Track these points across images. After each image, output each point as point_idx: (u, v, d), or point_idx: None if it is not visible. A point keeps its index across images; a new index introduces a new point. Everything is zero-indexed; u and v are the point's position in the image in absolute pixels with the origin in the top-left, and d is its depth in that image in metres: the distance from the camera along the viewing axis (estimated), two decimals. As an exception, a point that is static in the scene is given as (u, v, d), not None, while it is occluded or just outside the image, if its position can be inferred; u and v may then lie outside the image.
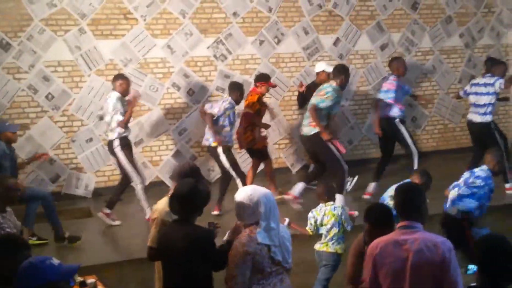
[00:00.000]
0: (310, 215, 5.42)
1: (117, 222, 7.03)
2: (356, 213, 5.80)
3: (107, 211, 7.03)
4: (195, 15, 8.70)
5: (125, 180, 7.09)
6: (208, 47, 8.81)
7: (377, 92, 9.65)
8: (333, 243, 5.31)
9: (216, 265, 3.85)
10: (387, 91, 7.81)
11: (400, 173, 7.37)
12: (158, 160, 8.69)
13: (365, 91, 9.80)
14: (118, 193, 7.17)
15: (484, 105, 7.82)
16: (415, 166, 7.49)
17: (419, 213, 3.56)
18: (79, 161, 8.32)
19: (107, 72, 8.30)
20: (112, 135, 6.99)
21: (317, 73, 8.36)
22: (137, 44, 8.44)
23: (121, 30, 8.37)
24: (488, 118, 7.84)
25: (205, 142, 7.40)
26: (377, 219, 3.97)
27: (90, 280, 4.43)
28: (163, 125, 8.67)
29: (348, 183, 7.73)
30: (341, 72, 7.17)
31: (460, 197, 5.67)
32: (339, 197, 6.95)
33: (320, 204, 5.43)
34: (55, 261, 2.78)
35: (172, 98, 8.72)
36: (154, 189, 7.98)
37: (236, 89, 7.36)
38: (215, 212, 7.13)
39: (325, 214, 5.34)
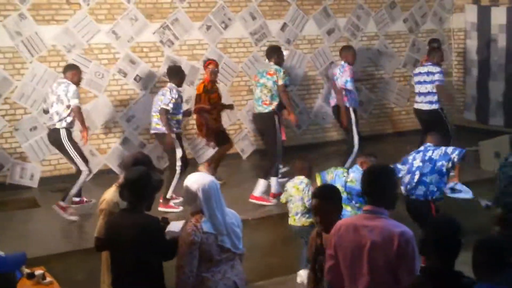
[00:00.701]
0: (286, 185, 5.61)
1: (73, 218, 6.74)
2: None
3: (63, 204, 6.73)
4: (140, 0, 8.54)
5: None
6: (154, 33, 8.68)
7: (326, 78, 9.81)
8: (298, 217, 5.39)
9: (166, 255, 3.79)
10: (344, 79, 7.78)
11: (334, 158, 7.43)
12: (106, 148, 8.53)
13: (313, 76, 9.88)
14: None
15: (429, 93, 7.97)
16: (348, 163, 7.47)
17: (387, 198, 3.44)
18: (23, 150, 8.09)
19: (50, 59, 8.08)
20: (60, 124, 6.78)
21: None
22: (81, 29, 8.24)
23: (64, 15, 8.15)
24: (435, 106, 7.99)
25: (153, 130, 7.18)
26: (322, 192, 3.86)
27: (38, 271, 4.33)
28: (110, 112, 8.51)
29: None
30: (275, 51, 7.21)
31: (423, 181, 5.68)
32: (261, 182, 7.02)
33: (295, 177, 5.58)
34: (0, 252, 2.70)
35: (119, 85, 8.56)
36: (102, 177, 7.86)
37: (175, 74, 7.07)
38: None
39: (293, 187, 5.49)
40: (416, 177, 5.63)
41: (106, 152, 8.50)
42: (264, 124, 7.23)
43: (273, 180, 7.16)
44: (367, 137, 10.11)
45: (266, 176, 7.07)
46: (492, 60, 10.10)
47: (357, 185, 5.28)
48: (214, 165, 7.51)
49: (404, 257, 3.29)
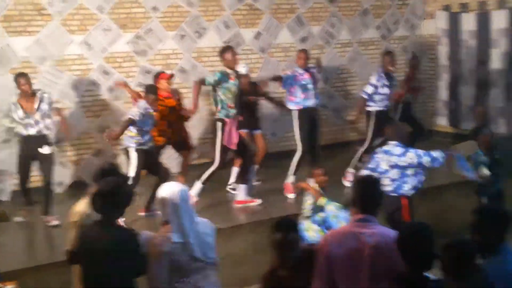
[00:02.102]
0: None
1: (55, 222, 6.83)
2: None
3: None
4: (113, 10, 8.54)
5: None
6: (127, 43, 8.68)
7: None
8: None
9: (140, 269, 3.77)
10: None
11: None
12: (79, 159, 8.49)
13: (287, 84, 9.92)
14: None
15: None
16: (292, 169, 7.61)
17: (376, 207, 3.62)
18: (-5, 163, 8.01)
19: (22, 71, 7.99)
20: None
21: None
22: (53, 40, 8.20)
23: (36, 26, 8.10)
24: (376, 107, 8.15)
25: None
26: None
27: (10, 286, 4.32)
28: (82, 123, 8.47)
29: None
30: (222, 51, 7.22)
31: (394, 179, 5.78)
32: (197, 185, 6.97)
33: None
34: None
35: (92, 96, 8.53)
36: (75, 189, 7.81)
37: (151, 93, 6.96)
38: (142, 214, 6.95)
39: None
40: (386, 180, 5.75)
41: (79, 163, 8.45)
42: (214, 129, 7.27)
43: (241, 187, 7.23)
44: (342, 144, 10.27)
45: (204, 181, 7.01)
46: (463, 65, 10.26)
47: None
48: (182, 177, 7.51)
49: (400, 259, 3.35)
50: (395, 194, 5.73)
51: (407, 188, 5.75)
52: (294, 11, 9.87)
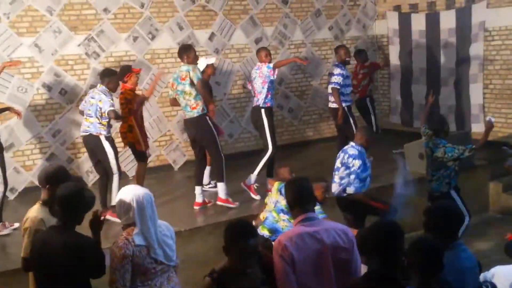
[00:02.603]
0: None
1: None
2: None
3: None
4: (63, 12, 8.36)
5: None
6: (79, 45, 8.51)
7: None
8: None
9: (96, 272, 3.74)
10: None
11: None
12: (32, 165, 8.27)
13: (243, 85, 9.94)
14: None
15: (330, 93, 8.38)
16: (261, 164, 7.55)
17: (313, 203, 3.68)
18: None
19: (-31, 74, 7.76)
20: None
21: (203, 71, 7.61)
22: (2, 43, 7.97)
23: (-17, 28, 7.87)
24: (334, 105, 8.29)
25: (83, 133, 6.84)
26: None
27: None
28: (34, 127, 8.26)
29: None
30: (186, 49, 7.01)
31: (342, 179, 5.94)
32: (220, 185, 7.02)
33: None
34: None
35: (43, 99, 8.33)
36: (29, 195, 7.60)
37: (110, 76, 6.83)
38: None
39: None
40: (336, 177, 5.97)
41: (32, 168, 8.24)
42: (198, 128, 6.98)
43: (198, 189, 7.11)
44: (298, 144, 10.35)
45: (221, 178, 7.00)
46: (414, 65, 10.48)
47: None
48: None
49: (354, 250, 3.51)
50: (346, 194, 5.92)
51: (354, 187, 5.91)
52: (247, 12, 9.88)
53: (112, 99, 6.72)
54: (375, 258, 3.21)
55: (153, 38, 9.07)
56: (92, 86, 8.34)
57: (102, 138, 6.71)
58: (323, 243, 3.45)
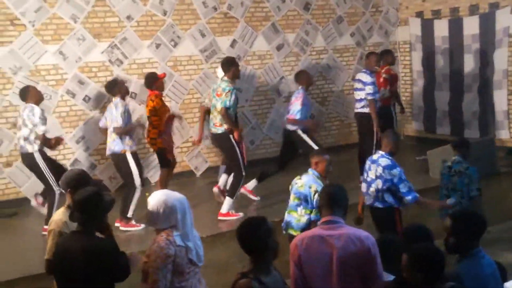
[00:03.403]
0: None
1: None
2: None
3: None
4: (87, 20, 8.46)
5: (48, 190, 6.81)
6: (102, 52, 8.61)
7: (277, 93, 9.93)
8: None
9: (117, 277, 3.76)
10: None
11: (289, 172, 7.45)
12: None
13: (264, 91, 9.96)
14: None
15: (361, 99, 8.16)
16: None
17: (342, 209, 3.64)
18: (-32, 176, 7.86)
19: (-5, 81, 7.92)
20: (31, 148, 6.70)
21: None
22: (27, 51, 8.09)
23: (9, 36, 7.99)
24: (365, 110, 8.14)
25: (108, 152, 6.98)
26: None
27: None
28: (58, 133, 8.34)
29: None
30: (230, 64, 7.15)
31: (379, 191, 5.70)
32: (228, 200, 7.03)
33: None
34: None
35: (67, 106, 8.43)
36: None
37: (115, 87, 6.96)
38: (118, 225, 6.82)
39: None
40: (372, 189, 5.73)
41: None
42: (221, 144, 7.25)
43: (228, 200, 7.11)
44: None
45: (232, 195, 7.04)
46: (436, 71, 10.40)
47: (305, 190, 5.32)
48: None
49: (373, 259, 3.43)
50: (383, 207, 5.70)
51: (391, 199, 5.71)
52: (269, 18, 9.91)
53: (124, 110, 6.80)
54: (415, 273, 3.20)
55: (175, 45, 9.14)
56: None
57: (128, 155, 6.80)
58: (332, 248, 3.45)
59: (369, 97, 7.97)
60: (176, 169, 8.54)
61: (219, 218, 7.00)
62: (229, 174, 7.47)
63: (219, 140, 7.20)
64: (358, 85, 8.26)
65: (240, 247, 3.41)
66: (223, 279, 5.73)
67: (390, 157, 5.70)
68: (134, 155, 6.91)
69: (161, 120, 7.30)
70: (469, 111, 9.82)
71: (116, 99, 6.88)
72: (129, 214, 6.83)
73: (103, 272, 3.64)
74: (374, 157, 5.83)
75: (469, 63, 9.78)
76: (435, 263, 3.19)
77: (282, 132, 8.24)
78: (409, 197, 5.56)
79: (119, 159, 6.89)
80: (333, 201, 3.63)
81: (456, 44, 9.96)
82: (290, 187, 5.61)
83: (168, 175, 7.63)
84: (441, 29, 10.21)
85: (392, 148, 5.74)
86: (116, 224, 6.68)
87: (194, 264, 3.74)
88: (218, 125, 7.04)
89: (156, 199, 3.71)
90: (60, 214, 4.28)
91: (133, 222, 6.86)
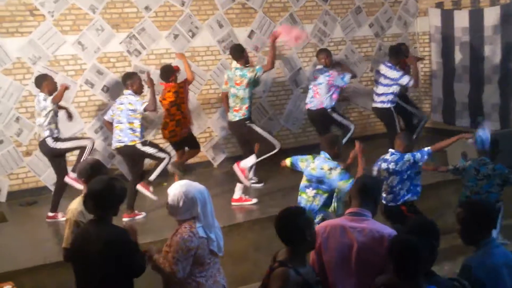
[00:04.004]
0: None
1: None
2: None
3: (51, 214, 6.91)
4: (105, 10, 8.50)
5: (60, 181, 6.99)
6: (121, 43, 8.64)
7: (295, 83, 9.90)
8: None
9: (133, 270, 3.72)
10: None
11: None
12: (74, 160, 8.38)
13: (282, 82, 9.93)
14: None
15: (381, 94, 8.25)
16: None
17: (371, 202, 3.63)
18: (-11, 164, 7.97)
19: (15, 71, 7.99)
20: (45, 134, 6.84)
21: None
22: (46, 41, 8.15)
23: (28, 27, 8.06)
24: (387, 104, 8.22)
25: (118, 144, 6.98)
26: None
27: (6, 286, 4.27)
28: (77, 123, 8.42)
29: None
30: (241, 50, 7.23)
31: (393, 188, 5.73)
32: (251, 159, 7.05)
33: None
34: None
35: (86, 96, 8.49)
36: (71, 189, 7.71)
37: (128, 78, 6.97)
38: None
39: None
40: (385, 186, 5.72)
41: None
42: (240, 130, 7.27)
43: (239, 186, 7.18)
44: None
45: (256, 158, 7.06)
46: (456, 62, 10.28)
47: (317, 172, 5.32)
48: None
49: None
50: (395, 204, 5.71)
51: (408, 195, 5.72)
52: (287, 9, 9.86)
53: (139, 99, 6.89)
54: (394, 273, 3.15)
55: (193, 35, 9.14)
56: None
57: (139, 145, 6.86)
58: (353, 240, 3.45)
59: (411, 83, 8.11)
60: (194, 159, 8.60)
61: (233, 203, 7.08)
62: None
63: (237, 127, 7.21)
64: (382, 80, 8.23)
65: (278, 236, 3.40)
66: (239, 269, 5.78)
67: (399, 155, 5.75)
68: (146, 143, 6.96)
69: (184, 107, 7.62)
70: (489, 103, 9.70)
71: (128, 91, 6.89)
72: (152, 178, 6.92)
73: (118, 262, 3.62)
74: (385, 156, 5.87)
75: (490, 55, 9.65)
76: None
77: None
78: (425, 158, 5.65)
79: (131, 151, 6.88)
80: (363, 193, 3.61)
81: (476, 35, 9.82)
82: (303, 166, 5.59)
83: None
84: (461, 20, 10.07)
85: (403, 150, 5.77)
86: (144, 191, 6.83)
87: (215, 255, 3.76)
88: (236, 110, 7.06)
89: (177, 190, 3.70)
90: (76, 204, 4.34)
91: (136, 211, 6.94)
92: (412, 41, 11.04)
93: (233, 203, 7.08)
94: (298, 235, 3.33)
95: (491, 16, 9.55)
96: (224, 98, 7.68)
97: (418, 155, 5.65)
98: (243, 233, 6.40)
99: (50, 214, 7.00)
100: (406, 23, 11.03)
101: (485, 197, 5.80)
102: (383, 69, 8.24)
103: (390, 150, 5.88)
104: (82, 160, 6.76)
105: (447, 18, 10.33)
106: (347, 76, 8.15)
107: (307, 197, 5.36)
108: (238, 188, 7.11)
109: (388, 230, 3.49)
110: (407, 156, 5.66)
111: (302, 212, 3.45)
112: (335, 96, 8.23)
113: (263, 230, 6.16)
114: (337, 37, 10.36)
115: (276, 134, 9.89)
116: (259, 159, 7.08)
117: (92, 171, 4.32)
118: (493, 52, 9.60)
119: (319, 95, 8.18)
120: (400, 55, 8.38)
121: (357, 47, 10.58)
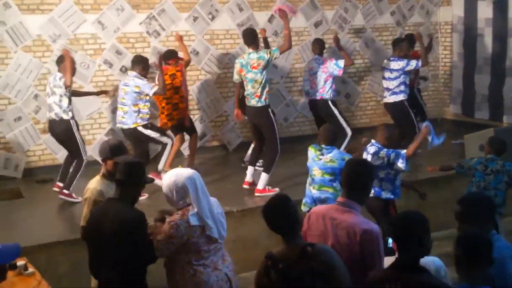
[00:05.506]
0: None
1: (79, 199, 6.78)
2: None
3: (66, 192, 6.89)
4: (126, -10, 8.50)
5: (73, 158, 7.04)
6: (140, 23, 8.63)
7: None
8: None
9: (144, 255, 3.68)
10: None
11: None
12: (91, 139, 8.48)
13: (300, 69, 9.85)
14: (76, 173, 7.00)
15: (388, 89, 8.23)
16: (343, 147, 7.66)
17: (360, 191, 3.51)
18: (7, 140, 8.02)
19: (35, 49, 8.02)
20: (66, 116, 6.87)
21: None
22: (66, 19, 8.16)
23: (49, 4, 8.06)
24: (399, 97, 8.12)
25: (121, 126, 7.13)
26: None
27: (20, 262, 4.30)
28: (95, 103, 8.45)
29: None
30: (255, 35, 7.11)
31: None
32: (264, 176, 6.98)
33: None
34: None
35: (104, 76, 8.51)
36: (88, 168, 7.75)
37: (139, 63, 7.13)
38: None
39: None
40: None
41: (92, 143, 8.43)
42: (260, 118, 7.09)
43: (250, 169, 7.19)
44: (353, 130, 10.18)
45: (268, 170, 7.00)
46: (478, 54, 10.14)
47: (338, 164, 5.24)
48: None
49: (367, 254, 3.32)
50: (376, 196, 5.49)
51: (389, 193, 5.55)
52: (308, -6, 9.78)
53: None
54: (398, 250, 3.10)
55: (213, 18, 9.10)
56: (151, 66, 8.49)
57: (140, 128, 6.98)
58: (328, 231, 3.43)
59: (420, 64, 8.03)
60: (210, 143, 8.60)
61: (256, 194, 6.97)
62: (259, 154, 7.44)
63: (258, 113, 7.04)
64: (389, 74, 8.17)
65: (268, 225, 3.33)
66: (251, 255, 5.76)
67: (379, 146, 5.52)
68: (148, 126, 7.07)
69: (182, 91, 7.65)
70: (509, 96, 9.57)
71: (134, 73, 7.00)
72: (160, 167, 7.08)
73: (132, 245, 3.60)
74: (367, 146, 5.63)
75: (513, 47, 9.52)
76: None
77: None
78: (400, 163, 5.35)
79: (134, 133, 7.07)
80: (352, 180, 3.49)
81: (500, 27, 9.67)
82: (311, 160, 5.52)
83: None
84: (485, 10, 9.92)
85: (383, 141, 5.54)
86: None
87: (215, 241, 3.69)
88: (257, 95, 6.89)
89: (168, 180, 3.69)
90: (94, 183, 4.37)
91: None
92: (434, 30, 10.89)
93: (256, 194, 6.98)
94: (290, 220, 3.23)
95: (516, 7, 9.39)
96: (237, 89, 7.46)
97: (392, 155, 5.36)
98: (255, 218, 6.38)
99: (59, 184, 7.02)
100: (429, 12, 10.87)
101: (493, 194, 5.70)
102: (387, 63, 8.19)
103: (372, 140, 5.66)
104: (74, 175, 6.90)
105: (471, 8, 10.18)
106: (341, 61, 7.97)
107: (336, 192, 5.25)
108: (263, 178, 7.00)
109: (365, 226, 3.34)
110: (382, 153, 5.41)
111: (288, 198, 3.35)
112: (334, 87, 8.13)
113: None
114: (357, 24, 10.25)
115: (293, 121, 9.90)
116: (270, 172, 7.00)
117: (115, 151, 4.38)
118: (516, 44, 9.46)
119: (315, 85, 8.09)
120: (399, 45, 8.24)
121: (377, 35, 10.46)
